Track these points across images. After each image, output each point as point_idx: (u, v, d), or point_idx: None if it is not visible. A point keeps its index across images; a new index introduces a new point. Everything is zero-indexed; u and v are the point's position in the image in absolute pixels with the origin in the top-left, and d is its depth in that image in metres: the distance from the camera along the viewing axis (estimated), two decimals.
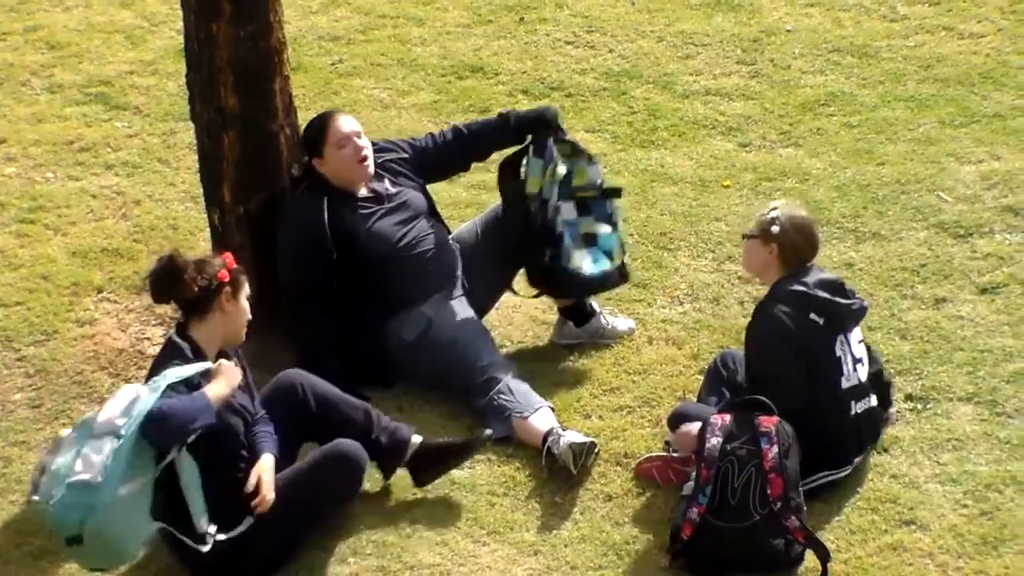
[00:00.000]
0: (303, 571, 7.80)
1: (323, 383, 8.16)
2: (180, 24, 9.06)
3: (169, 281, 7.63)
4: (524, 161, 8.97)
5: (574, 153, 8.97)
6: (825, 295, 7.87)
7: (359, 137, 8.88)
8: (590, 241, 8.96)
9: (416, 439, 8.17)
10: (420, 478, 8.19)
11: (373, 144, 9.02)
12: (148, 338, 9.23)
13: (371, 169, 8.89)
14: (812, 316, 7.86)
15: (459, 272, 9.04)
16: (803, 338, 7.85)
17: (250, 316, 7.81)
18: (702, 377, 8.78)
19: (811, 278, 7.95)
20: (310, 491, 7.80)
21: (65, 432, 7.41)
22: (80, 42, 11.75)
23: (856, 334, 8.05)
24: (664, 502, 8.19)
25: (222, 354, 7.71)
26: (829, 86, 11.11)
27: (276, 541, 7.70)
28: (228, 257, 7.78)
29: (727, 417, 7.81)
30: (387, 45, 11.69)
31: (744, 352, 8.20)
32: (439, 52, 11.58)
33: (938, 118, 10.67)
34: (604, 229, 8.98)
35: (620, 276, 9.11)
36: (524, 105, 10.98)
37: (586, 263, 8.91)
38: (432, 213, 9.17)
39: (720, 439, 7.72)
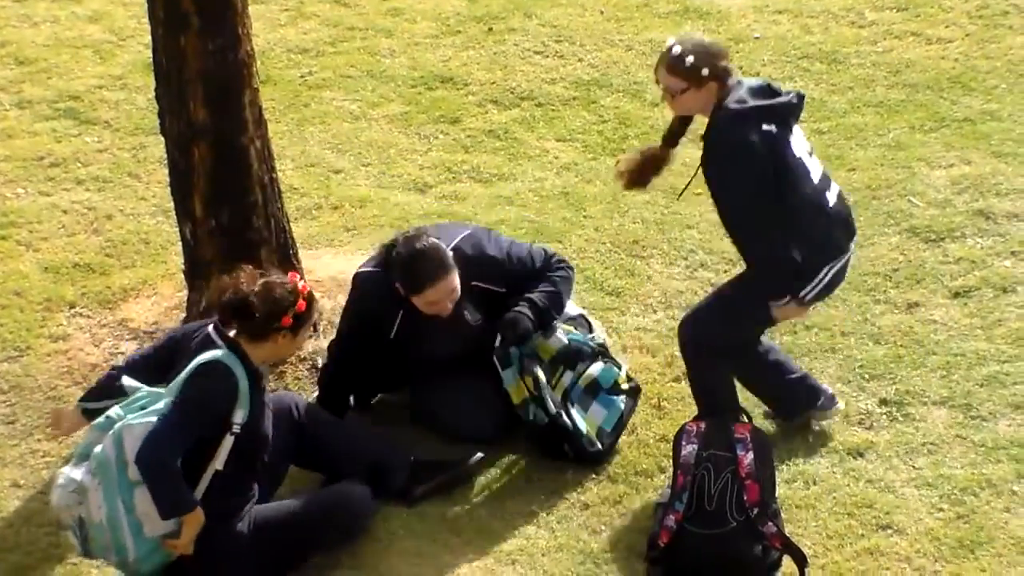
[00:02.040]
0: None
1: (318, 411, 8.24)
2: (148, 38, 9.06)
3: (237, 310, 7.52)
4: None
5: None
6: (765, 102, 7.72)
7: (452, 298, 8.36)
8: (594, 389, 8.60)
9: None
10: (411, 498, 8.23)
11: (476, 265, 8.48)
12: (122, 352, 9.20)
13: (449, 310, 8.42)
14: (764, 127, 7.70)
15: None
16: (765, 153, 7.68)
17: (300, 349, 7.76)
18: (676, 384, 8.80)
19: (743, 91, 7.76)
20: (306, 530, 7.80)
21: (78, 476, 7.42)
22: (48, 57, 11.75)
23: (796, 128, 7.89)
24: (641, 510, 8.21)
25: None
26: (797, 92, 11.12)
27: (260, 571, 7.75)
28: (304, 293, 7.61)
29: (702, 424, 7.83)
30: (356, 57, 11.70)
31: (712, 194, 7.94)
32: (408, 63, 11.59)
33: (908, 123, 10.70)
34: (596, 366, 8.64)
35: (633, 395, 8.76)
36: (493, 115, 11.00)
37: (600, 416, 8.56)
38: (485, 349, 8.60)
39: (695, 446, 7.74)
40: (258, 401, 7.53)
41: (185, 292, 9.32)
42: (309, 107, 11.26)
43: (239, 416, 7.40)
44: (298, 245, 9.38)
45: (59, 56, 11.76)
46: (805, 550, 7.68)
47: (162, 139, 9.19)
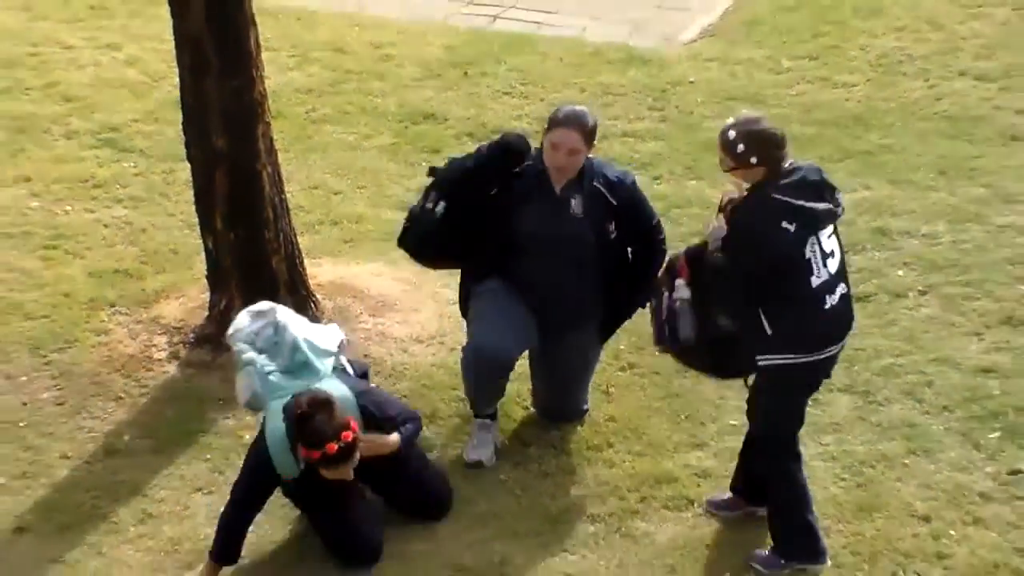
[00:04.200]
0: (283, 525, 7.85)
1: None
2: (177, 80, 9.09)
3: (291, 422, 7.33)
4: None
5: None
6: (800, 202, 7.20)
7: (569, 154, 7.97)
8: None
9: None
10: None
11: (600, 168, 8.16)
12: (154, 344, 9.24)
13: (563, 176, 8.07)
14: (784, 224, 7.16)
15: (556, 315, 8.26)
16: (776, 247, 7.20)
17: (349, 475, 7.39)
18: (622, 373, 8.84)
19: (793, 179, 7.26)
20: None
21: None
22: (92, 95, 11.76)
23: (828, 229, 7.31)
24: (592, 478, 8.24)
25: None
26: None
27: None
28: (343, 441, 7.26)
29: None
30: (353, 96, 11.73)
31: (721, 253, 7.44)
32: (397, 102, 11.62)
33: (818, 155, 10.72)
34: None
35: None
36: (469, 146, 11.00)
37: None
38: (577, 256, 8.14)
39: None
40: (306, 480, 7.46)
41: (207, 294, 9.33)
42: (313, 139, 11.28)
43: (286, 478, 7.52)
44: (303, 255, 9.40)
45: (101, 94, 11.77)
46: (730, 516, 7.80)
47: (188, 165, 9.21)
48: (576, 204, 8.08)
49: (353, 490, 7.68)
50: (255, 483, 7.53)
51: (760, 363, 7.42)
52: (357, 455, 7.34)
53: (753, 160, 7.21)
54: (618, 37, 12.37)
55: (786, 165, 7.30)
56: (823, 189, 7.31)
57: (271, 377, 7.62)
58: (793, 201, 7.17)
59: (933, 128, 11.10)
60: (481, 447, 8.35)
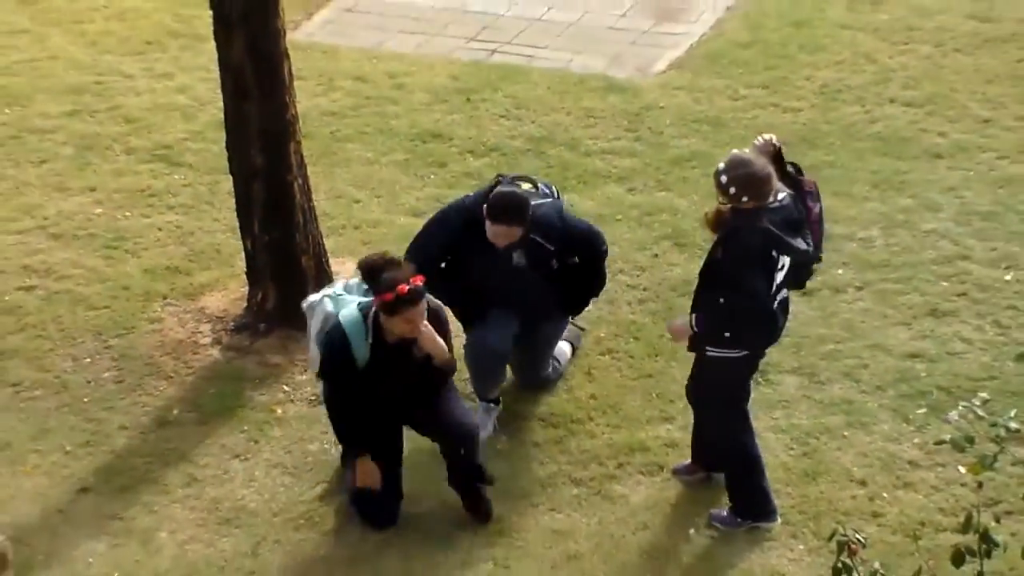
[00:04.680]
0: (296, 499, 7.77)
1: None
2: (221, 104, 9.04)
3: (367, 274, 7.14)
4: None
5: None
6: (787, 239, 7.09)
7: (508, 238, 7.79)
8: None
9: None
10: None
11: (534, 223, 7.84)
12: (200, 331, 9.18)
13: (502, 246, 7.87)
14: (772, 252, 7.07)
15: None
16: (764, 264, 7.10)
17: (418, 330, 7.10)
18: (602, 358, 8.77)
19: (777, 215, 7.10)
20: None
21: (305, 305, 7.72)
22: (148, 117, 11.69)
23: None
24: (576, 447, 8.19)
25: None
26: (692, 147, 11.12)
27: None
28: (405, 289, 6.99)
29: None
30: (371, 119, 11.65)
31: (714, 267, 7.27)
32: (409, 123, 11.54)
33: None
34: None
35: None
36: (471, 162, 10.97)
37: None
38: (529, 295, 8.04)
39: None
40: (378, 359, 7.20)
41: (246, 288, 9.28)
42: (336, 155, 11.20)
43: (358, 366, 7.24)
44: (329, 254, 9.33)
45: (156, 116, 11.70)
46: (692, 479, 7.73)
47: (230, 177, 9.17)
48: (517, 257, 7.97)
49: (399, 431, 7.63)
50: (335, 367, 7.25)
51: (710, 354, 7.36)
52: (424, 305, 7.06)
53: (745, 199, 7.03)
54: (598, 68, 12.31)
55: (773, 199, 7.15)
56: (800, 225, 7.24)
57: (342, 297, 7.54)
58: (783, 236, 7.09)
59: (868, 147, 11.03)
60: (483, 425, 8.24)
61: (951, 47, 12.40)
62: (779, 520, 7.63)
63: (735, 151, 7.30)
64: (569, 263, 8.12)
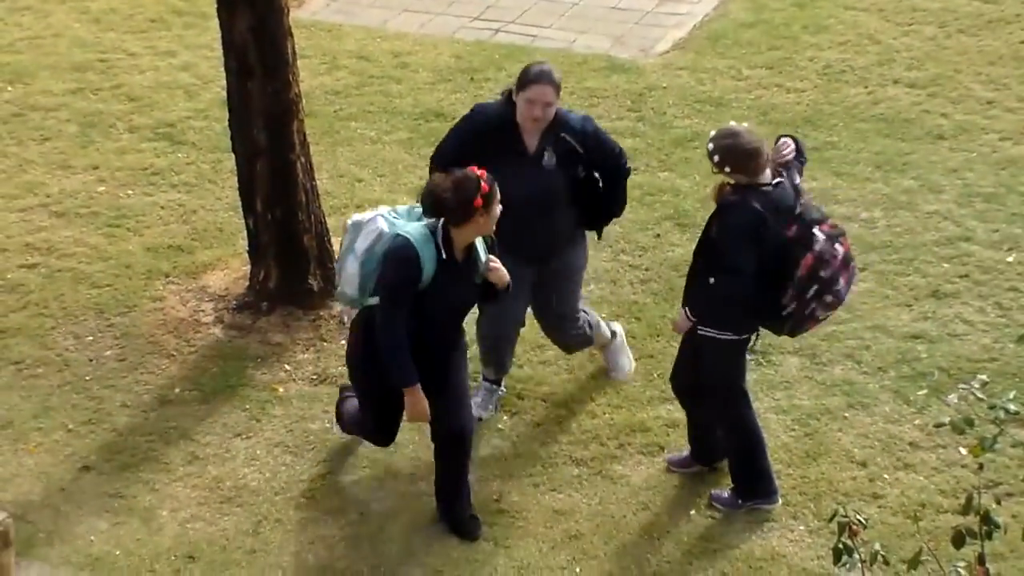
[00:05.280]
0: (322, 472, 7.75)
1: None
2: (224, 82, 9.02)
3: (435, 206, 7.00)
4: None
5: None
6: (770, 223, 7.06)
7: (544, 107, 7.64)
8: None
9: None
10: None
11: (565, 118, 7.78)
12: (202, 310, 9.16)
13: (535, 127, 7.71)
14: (760, 232, 7.04)
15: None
16: (752, 243, 7.07)
17: (497, 217, 7.05)
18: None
19: (768, 197, 7.09)
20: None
21: (350, 221, 7.38)
22: (152, 95, 11.66)
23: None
24: (576, 427, 8.18)
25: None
26: (694, 127, 11.10)
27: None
28: (483, 178, 6.97)
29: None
30: (374, 98, 11.63)
31: (708, 245, 7.28)
32: (412, 102, 11.52)
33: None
34: None
35: None
36: None
37: None
38: (554, 202, 7.81)
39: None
40: (443, 277, 7.04)
41: (248, 267, 9.26)
42: (340, 134, 11.17)
43: (422, 285, 7.03)
44: (331, 233, 9.30)
45: (159, 95, 11.68)
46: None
47: (233, 156, 9.15)
48: (548, 157, 7.77)
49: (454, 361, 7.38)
50: (402, 280, 7.02)
51: (702, 334, 7.37)
52: (498, 206, 7.02)
53: (727, 169, 7.10)
54: (601, 49, 12.28)
55: (769, 179, 7.13)
56: (792, 211, 7.16)
57: (397, 219, 7.33)
58: (767, 216, 7.04)
59: (871, 128, 11.01)
60: (484, 406, 8.23)
61: (955, 28, 12.36)
62: (780, 502, 7.62)
63: (730, 123, 7.36)
64: (593, 179, 7.82)
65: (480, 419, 8.14)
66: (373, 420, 7.54)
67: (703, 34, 12.46)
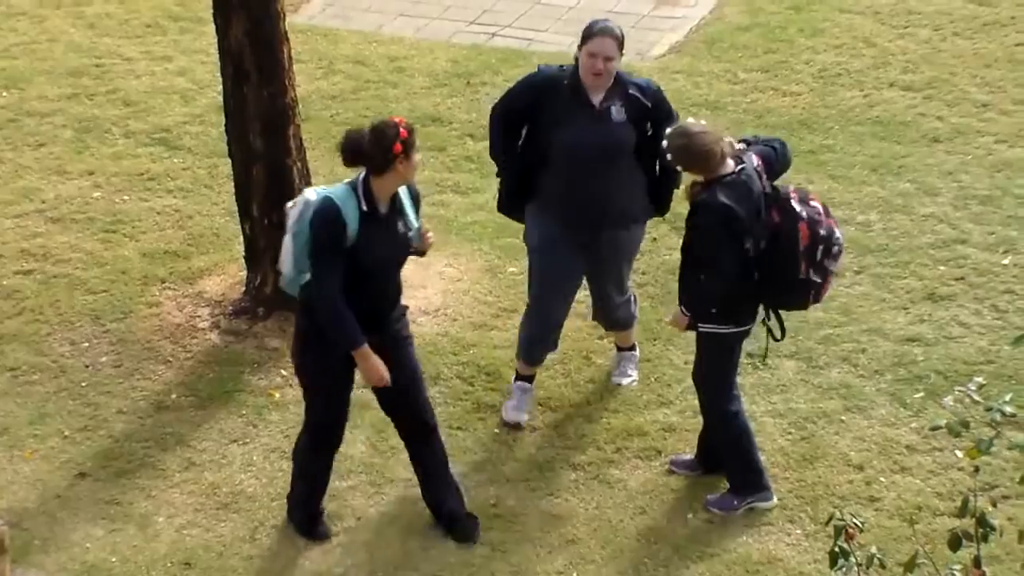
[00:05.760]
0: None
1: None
2: (220, 87, 9.02)
3: (354, 153, 6.99)
4: None
5: None
6: (740, 211, 7.07)
7: (606, 60, 7.62)
8: None
9: None
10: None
11: (628, 78, 7.83)
12: (198, 315, 9.16)
13: (599, 83, 7.70)
14: (732, 225, 7.10)
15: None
16: (729, 237, 7.13)
17: (417, 166, 7.05)
18: (600, 341, 8.73)
19: (736, 185, 7.12)
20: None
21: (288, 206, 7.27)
22: (148, 100, 11.65)
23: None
24: (574, 432, 8.17)
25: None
26: None
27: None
28: (402, 125, 6.98)
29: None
30: (371, 102, 11.61)
31: (688, 246, 7.34)
32: (409, 107, 11.50)
33: None
34: None
35: None
36: (470, 145, 10.93)
37: None
38: (620, 158, 7.75)
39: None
40: (368, 229, 7.00)
41: (244, 272, 9.26)
42: (336, 138, 10.89)
43: (348, 242, 6.97)
44: None
45: (155, 99, 11.67)
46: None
47: (229, 160, 9.15)
48: (616, 111, 7.74)
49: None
50: (331, 238, 6.95)
51: (702, 330, 7.44)
52: (418, 153, 7.02)
53: (679, 168, 7.28)
54: None
55: (731, 167, 7.17)
56: (763, 194, 7.22)
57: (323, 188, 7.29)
58: (735, 208, 7.07)
59: (867, 131, 11.00)
60: (520, 408, 8.18)
61: (950, 31, 12.36)
62: (775, 499, 7.62)
63: (689, 120, 7.45)
64: (660, 136, 7.52)
65: (519, 425, 8.12)
66: (320, 414, 7.36)
67: (699, 38, 12.46)
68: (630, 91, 7.80)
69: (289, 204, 7.32)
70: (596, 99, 7.76)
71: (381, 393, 7.31)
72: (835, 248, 7.30)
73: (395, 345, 7.26)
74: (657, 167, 7.87)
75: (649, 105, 7.80)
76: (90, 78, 11.98)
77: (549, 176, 7.86)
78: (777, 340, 7.60)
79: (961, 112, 11.18)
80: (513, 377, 8.35)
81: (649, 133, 7.79)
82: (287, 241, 7.18)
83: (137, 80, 11.95)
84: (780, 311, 7.55)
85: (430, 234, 7.30)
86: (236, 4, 8.64)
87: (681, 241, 7.42)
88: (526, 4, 13.15)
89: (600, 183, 7.77)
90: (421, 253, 7.36)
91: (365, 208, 6.99)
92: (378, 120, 7.11)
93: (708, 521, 7.61)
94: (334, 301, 6.95)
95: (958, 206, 10.07)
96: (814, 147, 10.72)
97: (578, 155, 7.61)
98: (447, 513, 7.54)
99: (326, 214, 6.97)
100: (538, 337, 8.19)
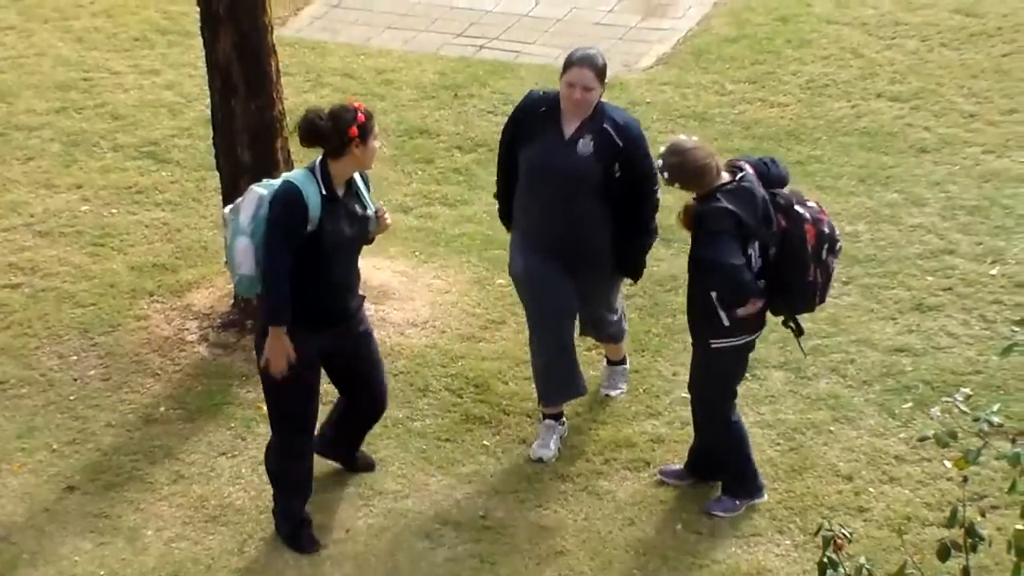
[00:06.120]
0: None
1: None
2: (208, 101, 9.02)
3: (310, 133, 7.04)
4: None
5: None
6: (743, 215, 7.12)
7: (583, 91, 7.60)
8: None
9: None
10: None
11: (610, 112, 7.77)
12: (186, 328, 9.14)
13: (577, 112, 7.68)
14: (739, 226, 7.12)
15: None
16: (736, 239, 7.15)
17: (377, 150, 7.15)
18: (588, 353, 8.72)
19: (734, 194, 7.14)
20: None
21: (226, 211, 7.29)
22: (135, 114, 11.64)
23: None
24: (563, 443, 8.15)
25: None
26: None
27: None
28: (361, 110, 7.05)
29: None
30: None
31: (697, 259, 7.35)
32: (396, 119, 11.51)
33: None
34: None
35: None
36: (458, 158, 10.93)
37: None
38: (583, 192, 7.71)
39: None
40: (329, 212, 7.03)
41: (232, 285, 9.23)
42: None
43: (310, 226, 7.01)
44: None
45: (143, 113, 11.66)
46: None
47: (217, 174, 9.14)
48: (584, 144, 7.67)
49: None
50: (293, 222, 6.99)
51: (715, 346, 7.43)
52: (376, 140, 7.11)
53: (677, 185, 7.28)
54: None
55: (728, 178, 7.23)
56: (767, 201, 7.25)
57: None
58: (741, 213, 7.12)
59: (854, 142, 11.02)
60: (545, 446, 8.07)
61: (937, 42, 12.38)
62: (767, 496, 7.70)
63: (680, 137, 7.48)
64: (626, 182, 7.67)
65: (542, 461, 8.03)
66: (288, 408, 7.36)
67: (686, 49, 12.47)
68: (604, 125, 7.71)
69: (225, 211, 7.36)
70: (569, 127, 7.73)
71: (340, 380, 7.56)
72: (838, 245, 7.40)
73: (357, 340, 7.45)
74: (627, 220, 7.82)
75: (620, 144, 7.69)
76: (78, 92, 11.97)
77: (523, 201, 7.90)
78: (800, 335, 7.61)
79: (948, 123, 11.20)
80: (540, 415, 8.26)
81: (617, 175, 7.71)
82: (242, 242, 7.15)
83: (125, 94, 11.95)
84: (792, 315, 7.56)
85: (387, 216, 7.41)
86: (224, 17, 8.64)
87: (683, 258, 7.41)
88: (513, 17, 13.17)
89: (568, 217, 7.73)
90: (371, 240, 7.45)
91: (324, 192, 7.08)
92: (337, 104, 7.17)
93: (697, 532, 7.60)
94: (279, 274, 7.04)
95: (946, 216, 10.09)
96: (802, 158, 10.74)
97: (543, 177, 7.62)
98: (347, 453, 7.86)
99: (288, 196, 7.05)
100: (555, 363, 8.00)
